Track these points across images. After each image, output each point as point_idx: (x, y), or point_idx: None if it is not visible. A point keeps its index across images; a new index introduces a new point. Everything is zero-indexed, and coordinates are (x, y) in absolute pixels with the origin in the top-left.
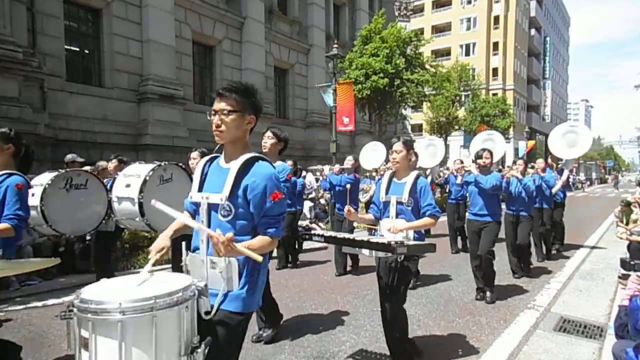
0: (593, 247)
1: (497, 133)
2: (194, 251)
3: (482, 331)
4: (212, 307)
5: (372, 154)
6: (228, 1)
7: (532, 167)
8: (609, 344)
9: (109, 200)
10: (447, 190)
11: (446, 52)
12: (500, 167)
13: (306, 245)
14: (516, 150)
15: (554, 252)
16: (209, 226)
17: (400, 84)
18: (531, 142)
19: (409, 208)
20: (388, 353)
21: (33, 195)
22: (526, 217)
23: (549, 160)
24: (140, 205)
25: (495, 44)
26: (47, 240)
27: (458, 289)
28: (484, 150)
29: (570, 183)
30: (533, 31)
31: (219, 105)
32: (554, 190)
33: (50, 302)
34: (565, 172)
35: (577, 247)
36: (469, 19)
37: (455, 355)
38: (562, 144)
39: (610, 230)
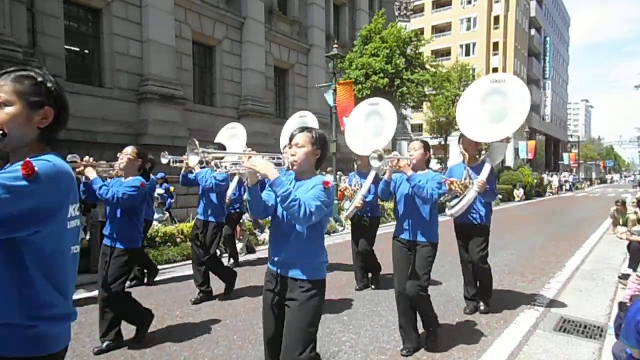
0: (593, 247)
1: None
2: None
3: (482, 331)
4: None
5: (230, 140)
6: (228, 1)
7: (377, 157)
8: (609, 344)
9: None
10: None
11: (446, 52)
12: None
13: None
14: (516, 150)
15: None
16: None
17: (400, 84)
18: (531, 142)
19: None
20: (388, 353)
21: None
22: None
23: (460, 148)
24: None
25: (495, 44)
26: None
27: (458, 289)
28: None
29: (570, 184)
30: (533, 31)
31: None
32: (453, 211)
33: None
34: (486, 168)
35: (577, 247)
36: (469, 19)
37: (455, 355)
38: (481, 118)
39: (610, 230)
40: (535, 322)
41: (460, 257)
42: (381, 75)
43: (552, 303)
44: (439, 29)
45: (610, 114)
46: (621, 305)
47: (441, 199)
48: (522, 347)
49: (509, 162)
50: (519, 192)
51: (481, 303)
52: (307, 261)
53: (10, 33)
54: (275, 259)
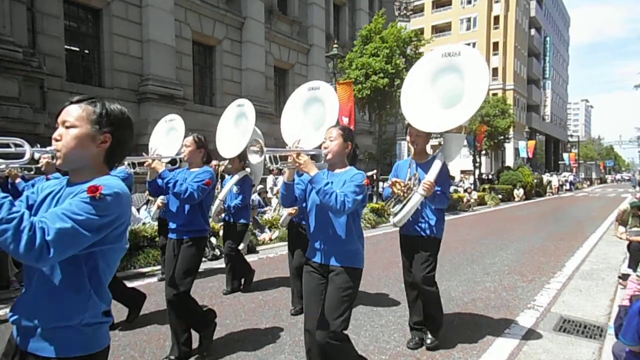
0: (593, 247)
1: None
2: None
3: (482, 331)
4: None
5: (167, 137)
6: (228, 1)
7: (258, 151)
8: (609, 344)
9: None
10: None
11: None
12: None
13: None
14: (516, 150)
15: None
16: None
17: (400, 84)
18: (531, 142)
19: None
20: (388, 353)
21: None
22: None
23: (408, 139)
24: None
25: (495, 44)
26: None
27: (458, 289)
28: None
29: (570, 183)
30: (533, 31)
31: None
32: (396, 220)
33: None
34: (436, 166)
35: (577, 247)
36: (469, 19)
37: (455, 356)
38: (432, 102)
39: (611, 230)
40: (535, 322)
41: (404, 280)
42: (381, 75)
43: (552, 303)
44: (439, 29)
45: (610, 114)
46: (621, 309)
47: (386, 205)
48: (522, 347)
49: (509, 162)
50: (519, 192)
51: (428, 335)
52: (56, 325)
53: (10, 33)
54: (14, 317)
